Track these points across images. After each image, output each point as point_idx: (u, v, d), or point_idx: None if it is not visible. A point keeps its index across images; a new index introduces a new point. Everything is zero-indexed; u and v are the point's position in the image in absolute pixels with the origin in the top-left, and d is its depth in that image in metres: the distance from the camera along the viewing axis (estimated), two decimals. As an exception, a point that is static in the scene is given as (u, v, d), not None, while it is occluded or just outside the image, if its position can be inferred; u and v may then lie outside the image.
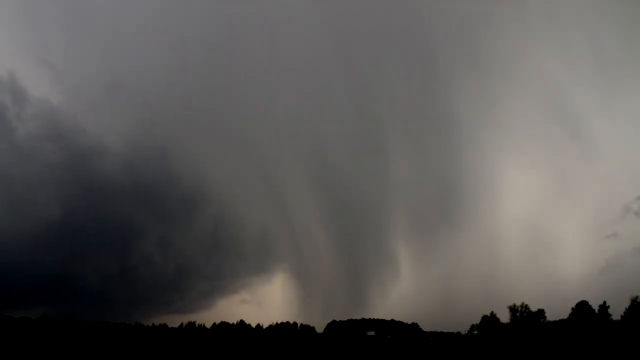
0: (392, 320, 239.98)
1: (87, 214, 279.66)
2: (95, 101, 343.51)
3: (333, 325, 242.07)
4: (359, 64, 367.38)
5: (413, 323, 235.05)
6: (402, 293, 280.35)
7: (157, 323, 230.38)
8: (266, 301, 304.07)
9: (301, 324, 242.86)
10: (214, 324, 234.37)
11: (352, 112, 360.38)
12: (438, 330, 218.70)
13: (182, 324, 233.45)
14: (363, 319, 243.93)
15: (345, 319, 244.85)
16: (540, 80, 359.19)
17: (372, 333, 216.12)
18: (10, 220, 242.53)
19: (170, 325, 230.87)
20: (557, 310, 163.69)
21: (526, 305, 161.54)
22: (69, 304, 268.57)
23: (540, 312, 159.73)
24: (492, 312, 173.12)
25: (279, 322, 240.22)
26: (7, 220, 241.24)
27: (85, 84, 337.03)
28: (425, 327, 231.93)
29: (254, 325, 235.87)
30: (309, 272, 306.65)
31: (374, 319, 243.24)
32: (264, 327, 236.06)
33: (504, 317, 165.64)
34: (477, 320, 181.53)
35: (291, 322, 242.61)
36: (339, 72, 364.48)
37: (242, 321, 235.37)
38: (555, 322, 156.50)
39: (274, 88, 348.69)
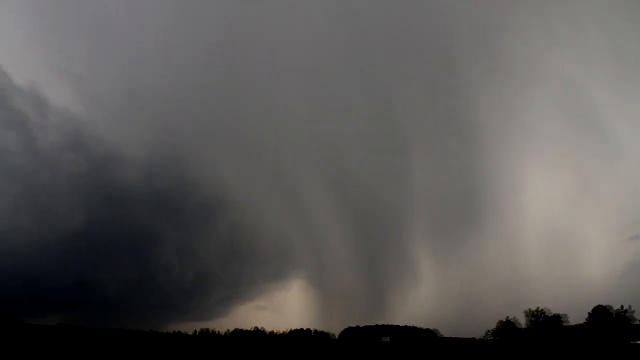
0: (408, 326, 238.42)
1: (107, 222, 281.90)
2: (114, 110, 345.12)
3: (348, 332, 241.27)
4: (378, 68, 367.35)
5: (428, 329, 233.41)
6: (421, 298, 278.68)
7: (175, 330, 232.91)
8: (283, 308, 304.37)
9: (315, 330, 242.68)
10: (229, 330, 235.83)
11: (370, 117, 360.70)
12: (457, 336, 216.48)
13: (196, 330, 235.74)
14: (378, 325, 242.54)
15: (361, 325, 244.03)
16: (560, 81, 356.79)
17: (386, 339, 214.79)
18: (33, 229, 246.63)
19: (186, 332, 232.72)
20: (579, 314, 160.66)
21: (542, 310, 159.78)
22: (90, 311, 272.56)
23: (558, 317, 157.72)
24: (508, 317, 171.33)
25: (294, 329, 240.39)
26: (30, 229, 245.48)
27: (105, 94, 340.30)
28: (445, 332, 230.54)
29: (268, 332, 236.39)
30: (326, 279, 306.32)
31: (389, 325, 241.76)
32: (279, 333, 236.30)
33: (524, 321, 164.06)
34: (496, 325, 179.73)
35: (308, 328, 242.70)
36: (357, 77, 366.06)
37: (256, 328, 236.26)
38: (573, 326, 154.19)
39: (291, 94, 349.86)
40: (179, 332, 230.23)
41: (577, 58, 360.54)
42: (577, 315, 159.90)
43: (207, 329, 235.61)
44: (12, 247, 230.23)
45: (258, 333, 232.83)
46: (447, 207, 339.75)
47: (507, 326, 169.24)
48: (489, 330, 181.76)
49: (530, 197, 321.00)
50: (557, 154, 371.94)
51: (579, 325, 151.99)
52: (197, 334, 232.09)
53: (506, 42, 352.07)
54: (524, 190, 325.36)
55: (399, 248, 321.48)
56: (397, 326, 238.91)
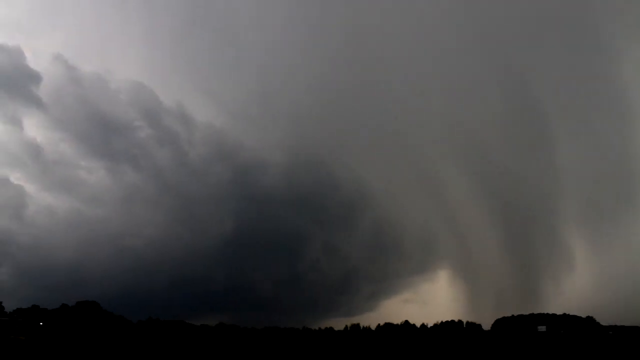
0: (565, 315, 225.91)
1: (255, 226, 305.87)
2: (253, 119, 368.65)
3: (501, 322, 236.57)
4: (513, 48, 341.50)
5: (588, 317, 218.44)
6: (577, 285, 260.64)
7: (324, 326, 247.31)
8: (430, 300, 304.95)
9: (467, 322, 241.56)
10: (379, 325, 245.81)
11: (510, 101, 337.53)
12: (618, 324, 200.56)
13: (346, 326, 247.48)
14: (532, 314, 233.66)
15: (514, 315, 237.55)
16: None
17: (543, 328, 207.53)
18: (189, 237, 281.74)
19: (336, 328, 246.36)
20: None
21: None
22: (246, 311, 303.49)
23: None
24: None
25: (444, 321, 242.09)
26: (187, 238, 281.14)
27: (243, 104, 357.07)
28: (604, 320, 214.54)
29: (418, 325, 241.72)
30: (474, 269, 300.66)
31: (544, 313, 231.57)
32: (429, 326, 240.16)
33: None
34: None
35: (457, 320, 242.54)
36: (493, 61, 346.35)
37: (406, 321, 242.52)
38: None
39: (427, 86, 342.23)
40: (331, 328, 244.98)
41: None
42: None
43: (358, 324, 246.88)
44: (172, 255, 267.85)
45: (407, 326, 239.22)
46: (601, 187, 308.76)
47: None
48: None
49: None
50: None
51: None
52: (349, 329, 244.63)
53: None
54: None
55: (550, 233, 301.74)
56: (554, 315, 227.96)
